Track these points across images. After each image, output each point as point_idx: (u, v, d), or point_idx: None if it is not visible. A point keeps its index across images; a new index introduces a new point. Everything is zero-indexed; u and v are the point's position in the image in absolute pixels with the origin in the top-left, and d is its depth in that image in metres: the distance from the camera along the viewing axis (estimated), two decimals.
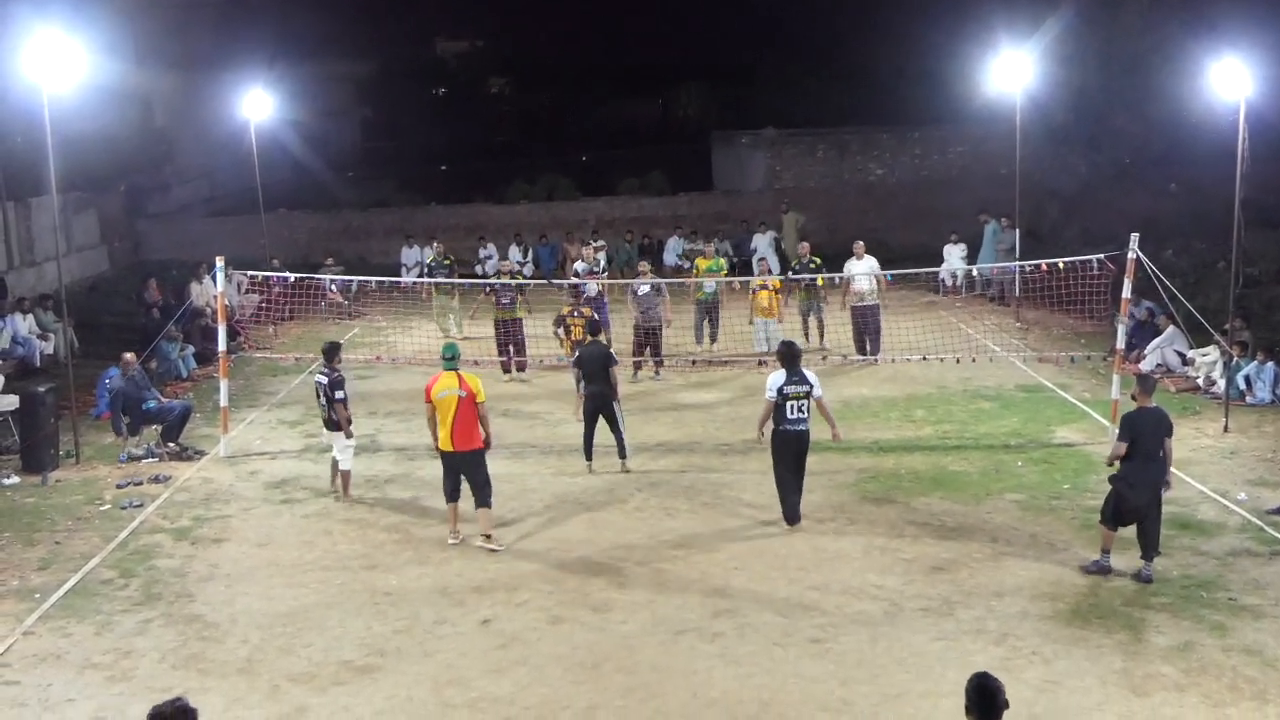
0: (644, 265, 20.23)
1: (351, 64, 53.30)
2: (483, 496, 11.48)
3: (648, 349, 18.27)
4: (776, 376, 11.53)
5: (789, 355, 11.70)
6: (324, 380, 12.86)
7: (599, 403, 13.64)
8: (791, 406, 11.45)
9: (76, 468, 14.39)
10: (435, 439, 11.57)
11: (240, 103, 24.48)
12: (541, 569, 10.98)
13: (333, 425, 12.85)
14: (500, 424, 14.84)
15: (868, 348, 18.91)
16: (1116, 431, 10.75)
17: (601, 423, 13.70)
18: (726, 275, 20.80)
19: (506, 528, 11.92)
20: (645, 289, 18.15)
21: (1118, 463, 10.28)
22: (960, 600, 10.06)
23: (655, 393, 17.61)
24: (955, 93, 30.05)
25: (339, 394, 12.71)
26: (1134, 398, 10.64)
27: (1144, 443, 10.18)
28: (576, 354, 13.95)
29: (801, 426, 11.55)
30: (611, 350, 14.22)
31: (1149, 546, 10.31)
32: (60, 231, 17.53)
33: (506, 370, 18.57)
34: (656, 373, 18.30)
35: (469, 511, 11.57)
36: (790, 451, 11.62)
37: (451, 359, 11.47)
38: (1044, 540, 11.30)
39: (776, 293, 18.96)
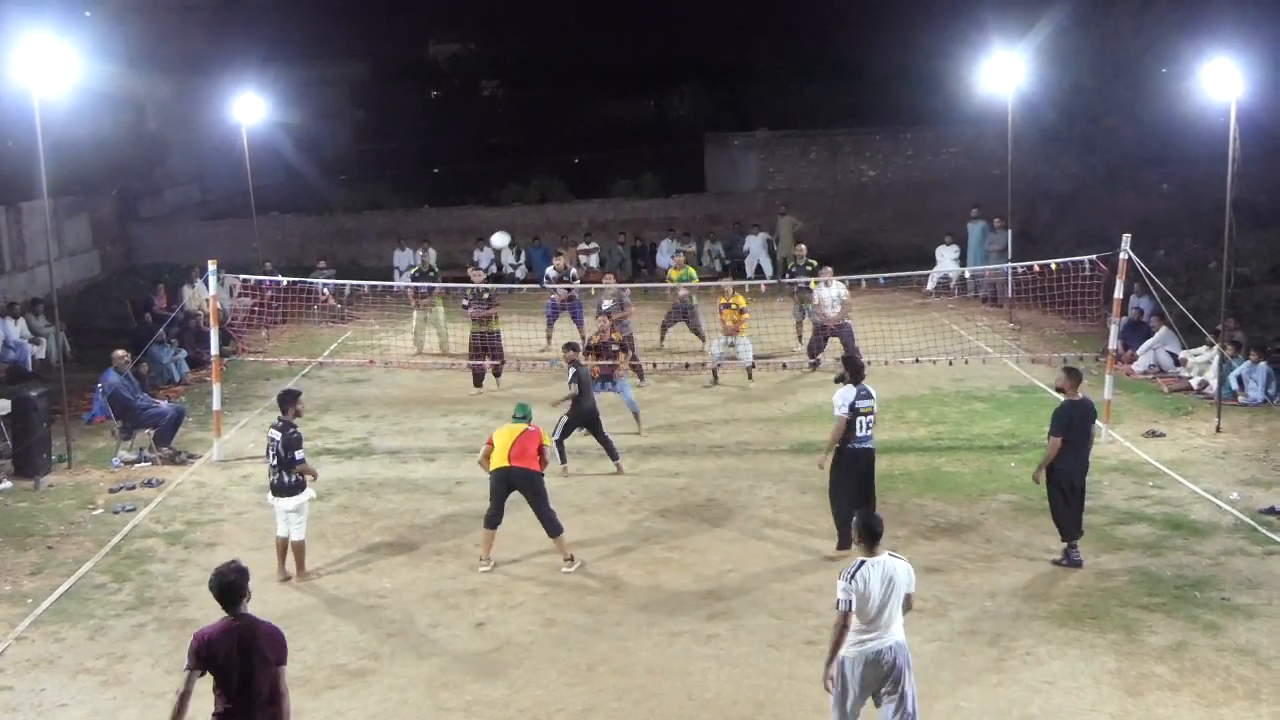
0: (608, 277, 20.10)
1: (344, 67, 53.24)
2: (553, 526, 10.99)
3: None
4: (847, 392, 10.94)
5: (859, 370, 11.22)
6: (276, 436, 10.71)
7: (589, 417, 13.77)
8: (862, 423, 10.94)
9: (69, 472, 14.35)
10: (486, 468, 11.14)
11: (232, 106, 24.43)
12: (535, 571, 10.98)
13: (282, 489, 10.75)
14: (494, 426, 14.78)
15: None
16: (1108, 429, 10.84)
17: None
18: (698, 283, 20.53)
19: (501, 531, 11.89)
20: (608, 303, 17.37)
21: (1042, 474, 10.86)
22: (954, 601, 10.07)
23: (648, 395, 17.58)
24: (947, 94, 30.05)
25: (297, 454, 10.66)
26: (1059, 390, 11.19)
27: (1074, 434, 10.76)
28: (574, 372, 13.84)
29: (870, 444, 11.07)
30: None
31: (1077, 528, 10.82)
32: (52, 235, 17.54)
33: (478, 383, 17.73)
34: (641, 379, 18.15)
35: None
36: (859, 469, 11.06)
37: (523, 418, 11.19)
38: (1037, 541, 11.31)
39: (741, 312, 18.12)
